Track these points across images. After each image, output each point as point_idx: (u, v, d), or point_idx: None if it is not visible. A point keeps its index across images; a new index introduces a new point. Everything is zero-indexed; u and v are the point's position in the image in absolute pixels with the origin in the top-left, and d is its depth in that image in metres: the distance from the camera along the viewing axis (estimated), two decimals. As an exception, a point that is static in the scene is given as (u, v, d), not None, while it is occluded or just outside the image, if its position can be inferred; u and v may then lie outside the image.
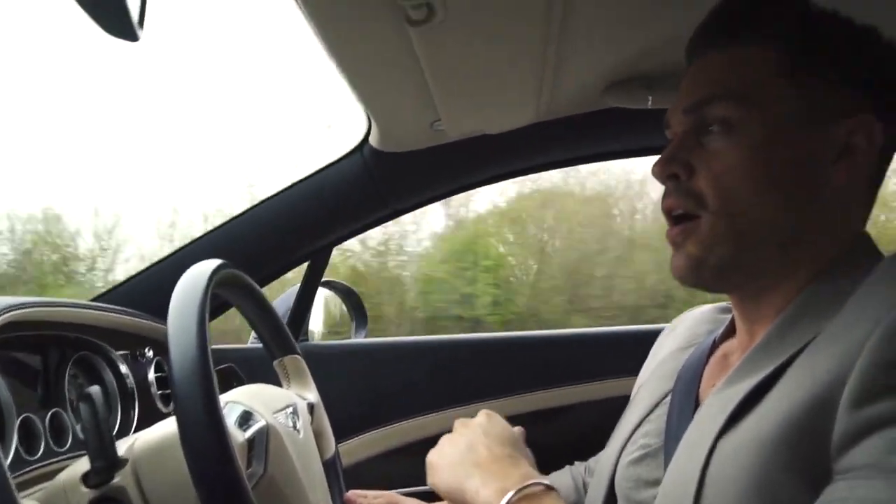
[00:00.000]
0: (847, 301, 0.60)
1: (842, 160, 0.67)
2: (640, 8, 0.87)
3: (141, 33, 0.48)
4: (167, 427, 0.71)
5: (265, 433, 0.75)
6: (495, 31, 0.80)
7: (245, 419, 0.75)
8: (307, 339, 1.56)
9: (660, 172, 0.71)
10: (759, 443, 0.57)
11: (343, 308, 1.75)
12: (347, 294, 1.74)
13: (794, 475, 0.55)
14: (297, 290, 1.51)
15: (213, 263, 0.78)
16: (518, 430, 0.77)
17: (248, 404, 0.78)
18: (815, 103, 0.67)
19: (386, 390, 1.47)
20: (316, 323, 1.63)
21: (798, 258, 0.69)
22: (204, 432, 0.59)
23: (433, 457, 0.73)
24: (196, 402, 0.60)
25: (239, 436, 0.72)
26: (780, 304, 0.69)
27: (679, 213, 0.71)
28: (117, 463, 0.68)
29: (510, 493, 0.62)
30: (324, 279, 1.59)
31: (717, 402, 0.66)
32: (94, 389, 0.67)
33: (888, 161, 0.72)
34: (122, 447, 0.73)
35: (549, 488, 0.64)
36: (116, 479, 0.70)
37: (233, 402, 0.78)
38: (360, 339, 1.66)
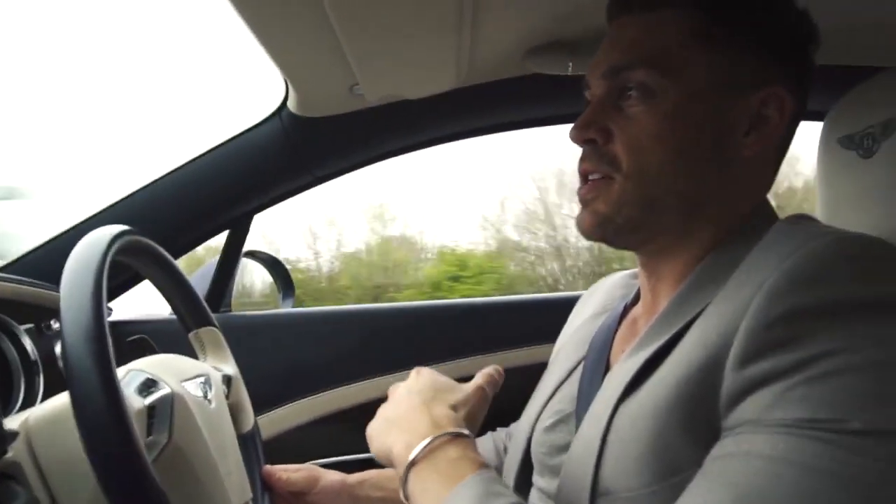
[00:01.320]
0: (739, 266, 0.62)
1: (753, 131, 0.69)
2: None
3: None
4: (63, 398, 0.68)
5: (169, 401, 0.72)
6: (406, -10, 0.79)
7: (147, 386, 0.73)
8: (229, 310, 1.52)
9: (577, 136, 0.72)
10: (655, 407, 0.59)
11: (268, 278, 1.72)
12: (273, 264, 1.71)
13: (689, 437, 0.57)
14: (215, 262, 1.47)
15: (114, 229, 0.74)
16: (488, 372, 0.79)
17: (152, 372, 0.75)
18: (728, 71, 0.68)
19: (312, 360, 1.44)
20: (238, 294, 1.59)
21: (701, 225, 0.70)
22: (94, 397, 0.57)
23: (369, 428, 0.73)
24: (86, 366, 0.58)
25: (137, 402, 0.70)
26: (681, 269, 0.71)
27: (595, 177, 0.72)
28: (5, 436, 0.64)
29: (416, 450, 0.64)
30: (247, 249, 1.55)
31: (621, 369, 0.67)
32: (-22, 360, 0.64)
33: (794, 131, 0.74)
34: (17, 421, 0.69)
35: (458, 436, 0.65)
36: (9, 455, 0.66)
37: (136, 370, 0.75)
38: (286, 309, 1.63)
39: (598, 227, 0.72)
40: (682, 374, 0.58)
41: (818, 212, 0.93)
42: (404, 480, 0.64)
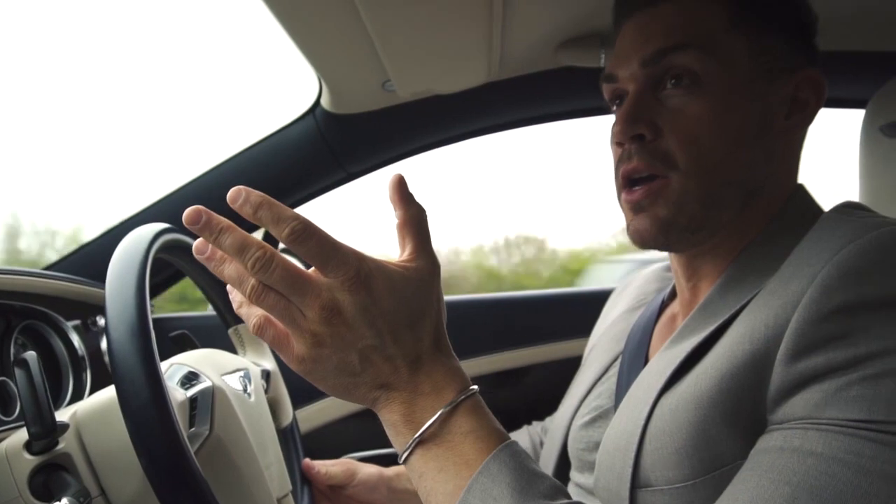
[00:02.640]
0: (787, 256, 0.61)
1: (794, 114, 0.68)
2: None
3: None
4: (110, 392, 0.71)
5: (210, 393, 0.74)
6: (437, -13, 0.79)
7: (189, 379, 0.75)
8: (267, 306, 1.55)
9: (624, 133, 0.68)
10: (697, 399, 0.58)
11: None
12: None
13: (731, 429, 0.56)
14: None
15: (156, 227, 0.76)
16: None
17: (194, 366, 0.77)
18: (766, 56, 0.67)
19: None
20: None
21: (753, 214, 0.69)
22: (139, 390, 0.59)
23: (303, 365, 0.54)
24: (131, 361, 0.60)
25: (180, 395, 0.72)
26: (722, 262, 0.70)
27: (643, 176, 0.68)
28: (55, 429, 0.67)
29: (422, 428, 0.53)
30: (283, 246, 1.57)
31: (660, 361, 0.66)
32: (30, 354, 0.66)
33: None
34: (67, 414, 0.72)
35: (465, 398, 0.55)
36: (61, 446, 0.69)
37: (178, 363, 0.77)
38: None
39: (661, 233, 0.68)
40: (727, 366, 0.57)
41: (859, 201, 0.91)
42: (407, 455, 0.54)
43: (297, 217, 0.51)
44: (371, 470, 1.01)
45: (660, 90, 0.68)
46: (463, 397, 0.54)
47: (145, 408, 0.58)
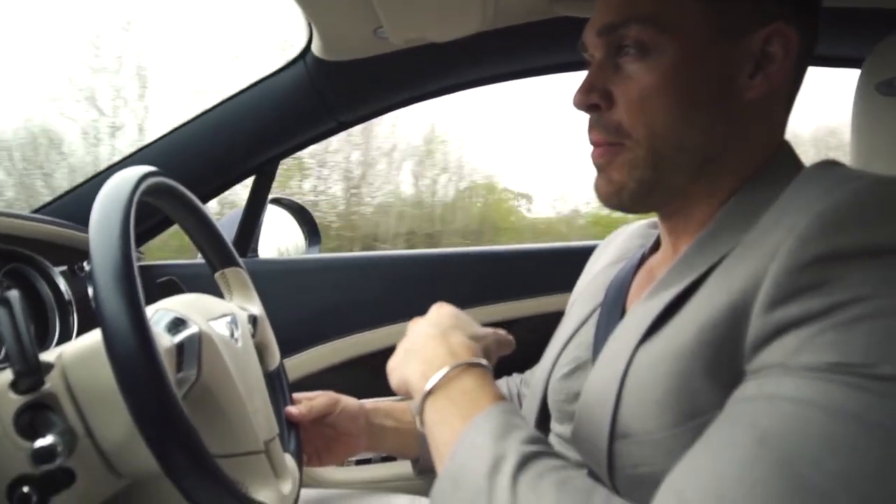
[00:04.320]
0: (766, 211, 0.61)
1: (759, 72, 0.67)
2: None
3: None
4: (96, 334, 0.70)
5: (197, 339, 0.74)
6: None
7: (175, 325, 0.74)
8: (256, 256, 1.55)
9: (580, 102, 0.71)
10: (675, 351, 0.59)
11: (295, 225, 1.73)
12: (299, 211, 1.72)
13: (711, 380, 0.57)
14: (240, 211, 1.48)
15: (141, 170, 0.75)
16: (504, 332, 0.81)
17: (180, 311, 0.76)
18: (727, 15, 0.66)
19: (336, 305, 1.47)
20: (268, 241, 1.61)
21: (718, 174, 0.69)
22: (125, 335, 0.58)
23: (390, 362, 0.74)
24: (116, 305, 0.59)
25: (166, 340, 0.71)
26: (703, 218, 0.70)
27: (603, 143, 0.71)
28: (39, 367, 0.67)
29: (432, 379, 0.65)
30: (273, 196, 1.56)
31: (638, 313, 0.67)
32: (12, 293, 0.66)
33: (804, 70, 0.72)
34: (53, 354, 0.72)
35: (475, 366, 0.66)
36: (46, 386, 0.69)
37: (164, 309, 0.77)
38: (310, 255, 1.65)
39: (615, 194, 0.71)
40: (705, 317, 0.58)
41: (850, 160, 0.91)
42: (420, 410, 0.65)
43: None
44: (351, 400, 1.04)
45: (619, 56, 0.69)
46: (470, 362, 0.65)
47: (132, 354, 0.58)
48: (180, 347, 0.73)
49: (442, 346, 0.68)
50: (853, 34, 1.22)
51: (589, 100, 0.70)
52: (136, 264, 0.64)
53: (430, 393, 0.64)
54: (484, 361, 0.67)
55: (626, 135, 0.68)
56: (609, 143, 0.70)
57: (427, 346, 0.69)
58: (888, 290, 0.50)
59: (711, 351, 0.57)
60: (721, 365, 0.56)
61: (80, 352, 0.71)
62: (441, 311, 0.77)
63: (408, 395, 0.70)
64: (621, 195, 0.71)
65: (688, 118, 0.67)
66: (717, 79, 0.66)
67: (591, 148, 0.73)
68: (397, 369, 0.72)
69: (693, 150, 0.68)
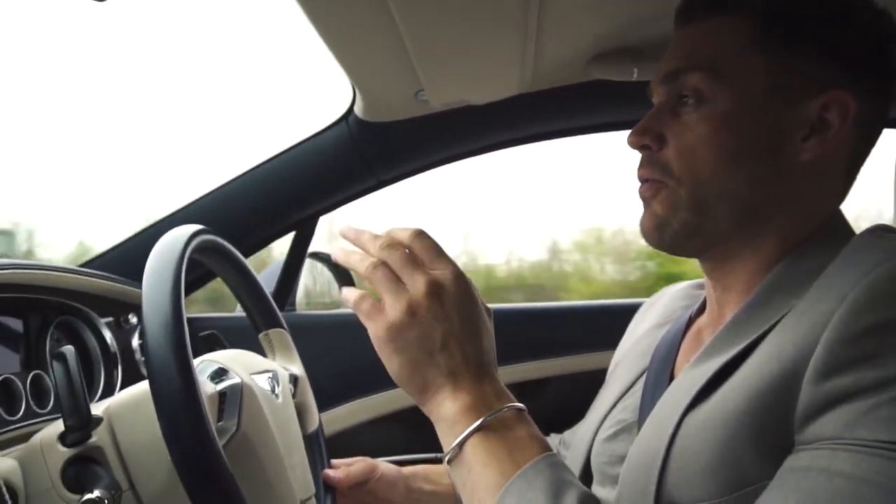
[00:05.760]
0: (817, 279, 0.61)
1: (813, 136, 0.67)
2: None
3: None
4: (142, 387, 0.72)
5: (239, 390, 0.75)
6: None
7: (218, 374, 0.76)
8: (294, 310, 1.57)
9: (633, 142, 0.73)
10: (724, 418, 0.58)
11: (331, 279, 1.76)
12: (336, 265, 1.75)
13: (759, 449, 0.56)
14: (283, 262, 1.51)
15: (192, 228, 0.78)
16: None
17: (224, 363, 0.78)
18: (788, 76, 0.67)
19: (372, 360, 1.46)
20: (303, 294, 1.63)
21: (762, 232, 0.69)
22: (171, 379, 0.60)
23: (388, 331, 0.60)
24: (165, 355, 0.61)
25: (209, 388, 0.73)
26: (749, 280, 0.70)
27: (649, 179, 0.72)
28: (91, 421, 0.68)
29: (484, 417, 0.59)
30: (311, 251, 1.59)
31: (686, 378, 0.66)
32: (68, 349, 0.68)
33: (872, 139, 0.72)
34: (100, 408, 0.74)
35: (521, 410, 0.61)
36: (93, 439, 0.71)
37: (209, 360, 0.79)
38: (348, 310, 1.66)
39: (657, 230, 0.72)
40: (755, 385, 0.57)
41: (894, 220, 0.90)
42: (460, 445, 0.59)
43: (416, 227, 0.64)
44: (390, 466, 1.02)
45: (679, 105, 0.71)
46: (519, 407, 0.61)
47: (176, 395, 0.60)
48: (222, 395, 0.74)
49: (488, 382, 0.61)
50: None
51: (642, 140, 0.72)
52: (185, 316, 0.66)
53: (477, 430, 0.59)
54: (525, 407, 0.62)
55: (669, 173, 0.70)
56: (654, 179, 0.71)
57: (470, 375, 0.61)
58: None
59: (760, 419, 0.56)
60: (769, 434, 0.56)
61: (126, 405, 0.73)
62: (471, 309, 0.62)
63: (414, 397, 0.63)
64: (663, 232, 0.71)
65: (733, 168, 0.68)
66: (767, 134, 0.67)
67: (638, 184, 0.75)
68: (416, 370, 0.61)
69: (735, 199, 0.68)
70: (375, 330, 0.61)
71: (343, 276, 1.73)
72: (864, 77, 0.68)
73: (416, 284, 0.60)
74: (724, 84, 0.68)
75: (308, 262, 1.59)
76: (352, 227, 0.66)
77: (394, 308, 0.60)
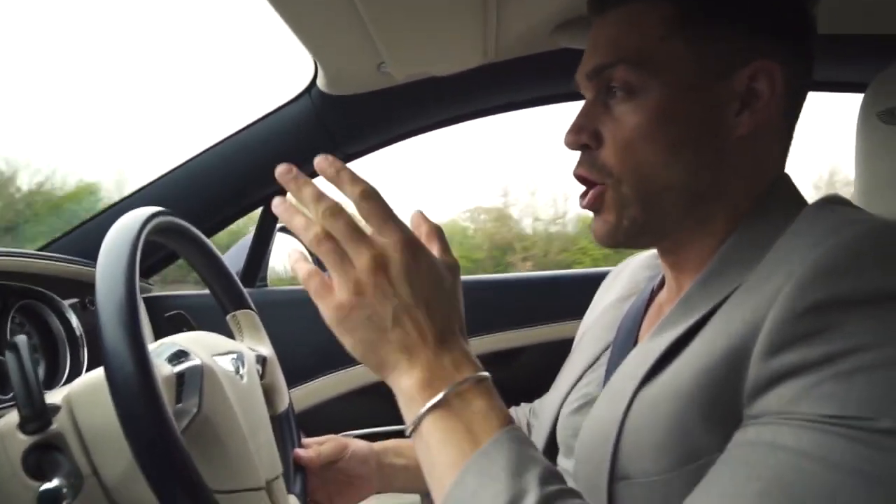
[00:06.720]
0: (767, 251, 0.61)
1: (744, 110, 0.67)
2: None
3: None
4: (102, 371, 0.72)
5: (199, 371, 0.74)
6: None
7: (177, 356, 0.75)
8: (265, 285, 1.56)
9: (571, 143, 0.72)
10: (675, 393, 0.59)
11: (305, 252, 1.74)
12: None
13: (709, 423, 0.57)
14: (251, 237, 1.50)
15: (148, 210, 0.77)
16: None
17: (184, 345, 0.78)
18: (712, 55, 0.66)
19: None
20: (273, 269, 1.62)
21: (712, 211, 0.69)
22: (124, 362, 0.60)
23: (336, 311, 0.59)
24: (117, 338, 0.61)
25: (166, 369, 0.72)
26: (703, 255, 0.70)
27: (592, 186, 0.71)
28: (45, 411, 0.68)
29: (439, 396, 0.56)
30: (282, 225, 1.58)
31: (641, 353, 0.67)
32: (20, 338, 0.67)
33: (801, 101, 0.72)
34: (61, 393, 0.73)
35: (481, 380, 0.58)
36: (54, 426, 0.70)
37: (169, 343, 0.78)
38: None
39: (609, 235, 0.72)
40: (705, 361, 0.58)
41: (855, 189, 0.90)
42: (417, 422, 0.57)
43: (368, 182, 0.60)
44: (361, 443, 1.02)
45: (609, 96, 0.70)
46: (478, 377, 0.58)
47: (130, 379, 0.60)
48: (180, 377, 0.73)
49: (445, 353, 0.58)
50: (856, 60, 1.22)
51: (579, 140, 0.71)
52: (139, 300, 0.65)
53: (432, 408, 0.56)
54: (487, 374, 0.59)
55: (609, 173, 0.69)
56: (593, 182, 0.71)
57: (425, 349, 0.58)
58: (886, 339, 0.50)
59: (710, 394, 0.57)
60: (719, 409, 0.56)
61: (85, 390, 0.72)
62: (423, 278, 0.59)
63: (376, 371, 0.60)
64: (616, 235, 0.71)
65: (673, 158, 0.67)
66: (701, 118, 0.67)
67: (580, 189, 0.73)
68: (371, 349, 0.59)
69: (681, 188, 0.68)
70: (324, 310, 0.59)
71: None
72: (785, 40, 0.68)
73: (361, 260, 0.57)
74: (651, 73, 0.66)
75: (280, 235, 1.58)
76: (290, 168, 0.61)
77: (341, 288, 0.58)
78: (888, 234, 0.55)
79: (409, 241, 0.59)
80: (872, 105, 0.86)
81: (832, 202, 0.64)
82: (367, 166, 1.41)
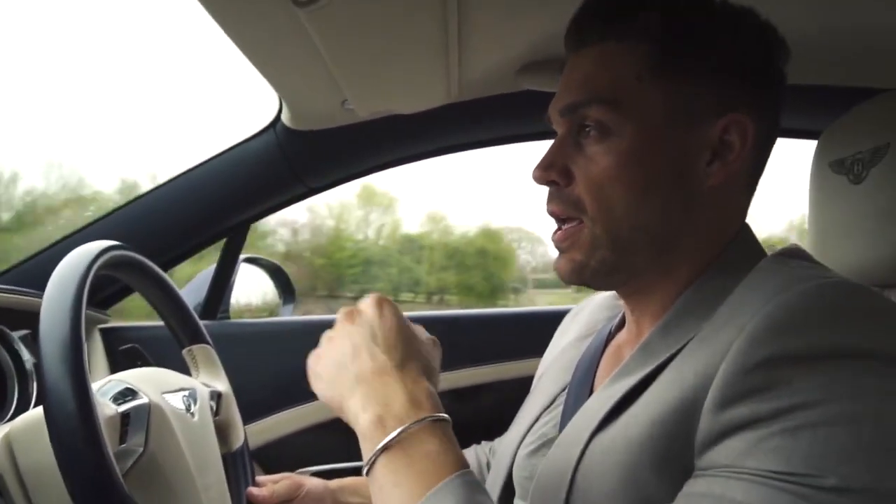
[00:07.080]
0: (722, 303, 0.62)
1: (716, 160, 0.67)
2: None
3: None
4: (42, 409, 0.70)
5: (146, 410, 0.73)
6: (386, 12, 0.79)
7: (124, 395, 0.74)
8: (227, 316, 1.54)
9: (539, 178, 0.71)
10: (627, 442, 0.59)
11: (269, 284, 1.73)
12: (274, 271, 1.72)
13: (661, 474, 0.57)
14: (213, 269, 1.48)
15: (100, 245, 0.76)
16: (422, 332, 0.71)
17: (132, 383, 0.76)
18: (686, 103, 0.67)
19: (304, 370, 1.45)
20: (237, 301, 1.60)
21: (677, 258, 0.70)
22: (64, 401, 0.59)
23: (313, 361, 0.68)
24: (59, 376, 0.60)
25: (109, 409, 0.71)
26: (664, 301, 0.71)
27: (566, 224, 0.71)
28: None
29: (391, 435, 0.58)
30: (248, 255, 1.57)
31: (597, 399, 0.67)
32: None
33: (768, 153, 0.73)
34: (2, 432, 0.71)
35: (437, 421, 0.59)
36: (-9, 463, 0.68)
37: (116, 380, 0.77)
38: (281, 318, 1.64)
39: (575, 273, 0.71)
40: (658, 411, 0.58)
41: (808, 237, 0.91)
42: (371, 462, 0.59)
43: None
44: (316, 482, 1.01)
45: (581, 135, 0.70)
46: (434, 418, 0.60)
47: (70, 418, 0.59)
48: (125, 417, 0.72)
49: (400, 390, 0.61)
50: (811, 109, 1.25)
51: (548, 176, 0.70)
52: (83, 337, 0.65)
53: (386, 448, 0.58)
54: (446, 416, 0.60)
55: (582, 210, 0.69)
56: (568, 218, 0.70)
57: (381, 381, 0.61)
58: (832, 395, 0.51)
59: (661, 445, 0.57)
60: (670, 459, 0.57)
61: (26, 428, 0.71)
62: (386, 323, 0.65)
63: (337, 412, 0.64)
64: (583, 274, 0.71)
65: (644, 201, 0.67)
66: (673, 164, 0.67)
67: (553, 225, 0.73)
68: (333, 383, 0.64)
69: (651, 232, 0.68)
70: (310, 364, 0.69)
71: (283, 281, 1.70)
72: (758, 94, 0.69)
73: (338, 317, 0.67)
74: (625, 115, 0.67)
75: (244, 266, 1.57)
76: None
77: (320, 345, 0.68)
78: (836, 293, 0.56)
79: (381, 299, 0.67)
80: (824, 155, 0.88)
81: (788, 255, 0.65)
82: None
